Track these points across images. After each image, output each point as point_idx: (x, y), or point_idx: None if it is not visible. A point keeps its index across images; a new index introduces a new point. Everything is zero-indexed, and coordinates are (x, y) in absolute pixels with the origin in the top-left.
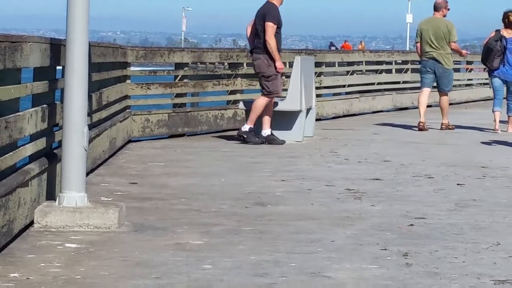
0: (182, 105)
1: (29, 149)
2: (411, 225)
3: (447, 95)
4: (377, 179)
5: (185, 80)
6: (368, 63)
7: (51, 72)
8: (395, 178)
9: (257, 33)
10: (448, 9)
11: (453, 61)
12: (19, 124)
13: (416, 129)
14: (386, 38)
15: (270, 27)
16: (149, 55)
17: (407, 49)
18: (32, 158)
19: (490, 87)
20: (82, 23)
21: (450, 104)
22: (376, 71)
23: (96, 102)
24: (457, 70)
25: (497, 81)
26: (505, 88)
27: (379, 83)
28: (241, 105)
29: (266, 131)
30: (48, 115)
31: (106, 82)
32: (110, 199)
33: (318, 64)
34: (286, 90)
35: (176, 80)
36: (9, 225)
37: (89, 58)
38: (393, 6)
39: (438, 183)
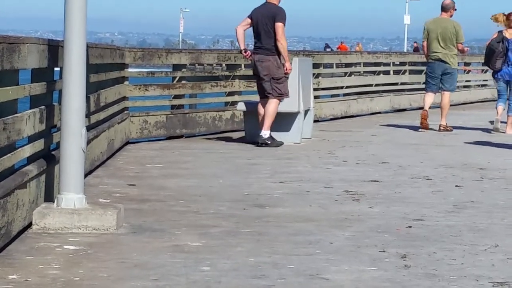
0: (180, 106)
1: (27, 151)
2: (409, 227)
3: (449, 94)
4: (375, 180)
5: (183, 82)
6: (366, 64)
7: (49, 73)
8: (393, 180)
9: (263, 34)
10: (455, 9)
11: None
12: (17, 126)
13: (420, 128)
14: (384, 39)
15: (282, 28)
16: (147, 56)
17: (405, 50)
18: (30, 159)
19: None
20: (80, 24)
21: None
22: (374, 73)
23: (94, 104)
24: None
25: (501, 85)
26: (508, 88)
27: (377, 85)
28: (240, 106)
29: (266, 132)
30: (46, 117)
31: (104, 83)
32: (108, 200)
33: (316, 66)
34: (284, 89)
35: (174, 82)
36: (8, 227)
37: (87, 60)
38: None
39: (436, 184)
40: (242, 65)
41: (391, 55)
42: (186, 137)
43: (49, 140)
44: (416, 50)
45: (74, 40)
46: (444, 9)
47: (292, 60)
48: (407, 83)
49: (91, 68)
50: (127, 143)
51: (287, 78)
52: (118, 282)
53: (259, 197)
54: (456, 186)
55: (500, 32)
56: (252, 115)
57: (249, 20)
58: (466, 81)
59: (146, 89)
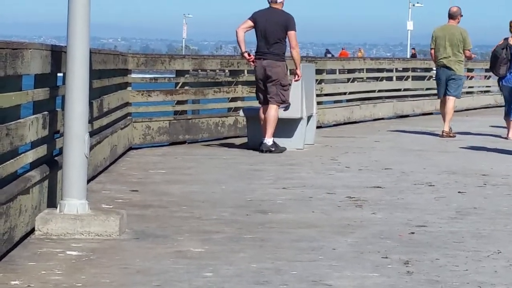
0: (183, 112)
1: (30, 156)
2: (412, 233)
3: (453, 100)
4: (378, 187)
5: (186, 87)
6: (368, 70)
7: (52, 79)
8: (396, 186)
9: (273, 41)
10: (462, 16)
11: None
12: (20, 131)
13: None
14: (387, 45)
15: (295, 35)
16: (150, 62)
17: (408, 56)
18: (33, 165)
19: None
20: (83, 30)
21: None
22: (377, 79)
23: (97, 109)
24: None
25: (506, 91)
26: None
27: (380, 91)
28: (241, 114)
29: (269, 139)
30: (49, 122)
31: (107, 89)
32: (111, 206)
33: (319, 72)
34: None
35: (177, 87)
36: (10, 233)
37: (90, 65)
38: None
39: (439, 191)
40: (245, 71)
41: (394, 61)
42: (189, 143)
43: (52, 145)
44: (413, 56)
45: (77, 45)
46: (451, 16)
47: None
48: (410, 89)
49: (94, 74)
50: (130, 149)
51: (290, 85)
52: None
53: (262, 203)
54: (459, 192)
55: (506, 39)
56: (254, 121)
57: (251, 23)
58: (469, 87)
59: (149, 95)
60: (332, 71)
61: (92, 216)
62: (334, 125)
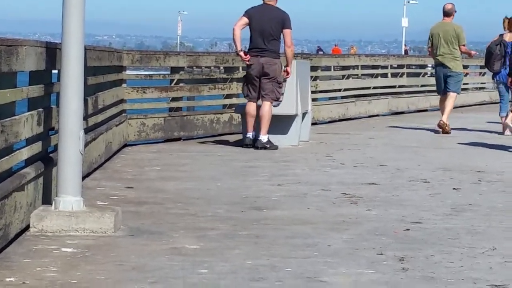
0: (178, 109)
1: (25, 153)
2: (407, 229)
3: (454, 95)
4: (373, 183)
5: (181, 84)
6: (363, 67)
7: (46, 76)
8: (391, 183)
9: (270, 38)
10: (456, 11)
11: None
12: (15, 128)
13: (439, 131)
14: (382, 42)
15: (291, 34)
16: (144, 59)
17: (403, 53)
18: (28, 162)
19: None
20: (78, 27)
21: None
22: (371, 75)
23: (92, 106)
24: None
25: (501, 87)
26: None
27: (374, 87)
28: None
29: (264, 136)
30: (44, 119)
31: (101, 86)
32: (106, 203)
33: (313, 68)
34: (281, 94)
35: (172, 84)
36: (5, 229)
37: (84, 62)
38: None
39: (434, 187)
40: (240, 68)
41: (389, 58)
42: (184, 139)
43: (47, 142)
44: (406, 53)
45: (72, 42)
46: (446, 13)
47: None
48: (405, 85)
49: (89, 71)
50: (125, 145)
51: (285, 83)
52: (115, 284)
53: (257, 200)
54: (454, 189)
55: (502, 35)
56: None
57: (246, 20)
58: (464, 83)
59: (144, 92)
60: (327, 68)
61: (87, 213)
62: (329, 121)
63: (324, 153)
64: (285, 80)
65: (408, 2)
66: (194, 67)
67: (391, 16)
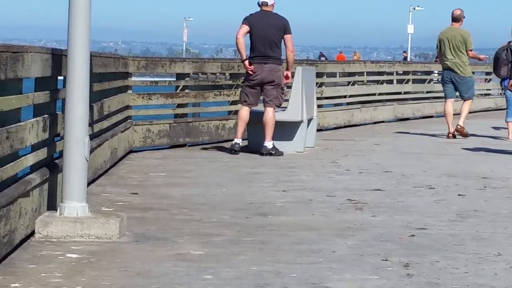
0: (183, 115)
1: (30, 159)
2: (412, 235)
3: (469, 101)
4: (378, 189)
5: (186, 91)
6: (369, 73)
7: (52, 82)
8: (396, 189)
9: (273, 44)
10: (464, 17)
11: None
12: (20, 134)
13: (445, 137)
14: (387, 48)
15: (292, 39)
16: (150, 65)
17: (408, 59)
18: (34, 168)
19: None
20: (83, 33)
21: (453, 114)
22: (377, 82)
23: (97, 112)
24: None
25: (508, 92)
26: None
27: (380, 94)
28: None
29: (269, 143)
30: (49, 125)
31: (107, 92)
32: (111, 209)
33: (319, 75)
34: (287, 100)
35: (177, 91)
36: (10, 235)
37: (90, 68)
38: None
39: (439, 193)
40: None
41: (395, 64)
42: (189, 145)
43: (52, 148)
44: (405, 59)
45: (77, 49)
46: (455, 19)
47: (295, 69)
48: (410, 92)
49: (94, 77)
50: (130, 151)
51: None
52: None
53: (262, 206)
54: (459, 195)
55: (510, 42)
56: (255, 124)
57: (247, 28)
58: None
59: (149, 98)
60: (333, 74)
61: (92, 219)
62: (335, 128)
63: (330, 159)
64: (290, 87)
65: (414, 8)
66: (200, 74)
67: (397, 22)
